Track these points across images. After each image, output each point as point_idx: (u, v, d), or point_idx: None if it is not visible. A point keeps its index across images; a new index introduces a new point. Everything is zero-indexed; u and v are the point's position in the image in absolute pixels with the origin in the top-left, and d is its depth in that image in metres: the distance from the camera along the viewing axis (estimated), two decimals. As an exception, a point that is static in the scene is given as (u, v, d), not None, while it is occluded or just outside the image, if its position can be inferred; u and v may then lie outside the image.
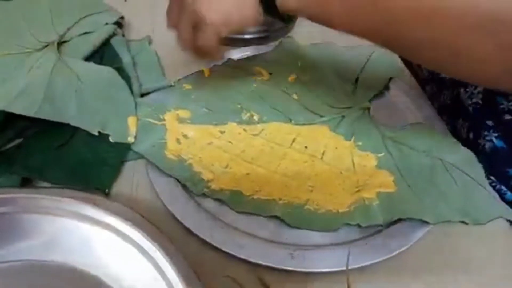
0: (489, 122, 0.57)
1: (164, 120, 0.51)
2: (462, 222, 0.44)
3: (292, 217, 0.44)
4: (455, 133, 0.57)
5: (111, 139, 0.49)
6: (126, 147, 0.49)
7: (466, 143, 0.54)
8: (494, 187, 0.52)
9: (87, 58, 0.58)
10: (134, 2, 0.75)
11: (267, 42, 0.68)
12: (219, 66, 0.60)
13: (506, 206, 0.47)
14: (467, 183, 0.48)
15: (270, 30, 0.68)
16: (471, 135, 0.57)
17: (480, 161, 0.51)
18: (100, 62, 0.58)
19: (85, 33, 0.61)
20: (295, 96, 0.57)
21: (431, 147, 0.51)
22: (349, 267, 0.38)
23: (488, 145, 0.56)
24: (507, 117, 0.55)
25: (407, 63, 0.68)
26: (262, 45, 0.67)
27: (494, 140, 0.58)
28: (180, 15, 0.47)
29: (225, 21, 0.45)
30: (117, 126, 0.50)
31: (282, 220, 0.43)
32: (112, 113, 0.51)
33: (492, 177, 0.53)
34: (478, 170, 0.49)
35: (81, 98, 0.51)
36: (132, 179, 0.48)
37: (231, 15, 0.45)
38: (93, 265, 0.39)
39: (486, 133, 0.57)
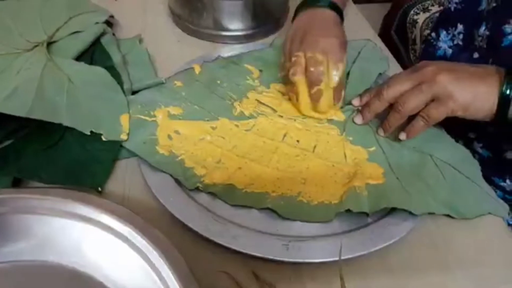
0: (471, 135, 0.58)
1: (155, 116, 0.51)
2: (448, 216, 0.45)
3: (284, 208, 0.44)
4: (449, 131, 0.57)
5: (103, 138, 0.49)
6: (118, 145, 0.49)
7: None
8: None
9: (78, 58, 0.58)
10: (124, 1, 0.75)
11: (255, 40, 0.68)
12: (209, 64, 0.60)
13: (500, 203, 0.47)
14: (457, 179, 0.48)
15: (259, 27, 0.68)
16: (460, 142, 0.57)
17: None
18: (91, 61, 0.58)
19: (75, 32, 0.61)
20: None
21: (422, 143, 0.51)
22: (342, 258, 0.39)
23: (476, 156, 0.56)
24: (490, 129, 0.56)
25: (397, 58, 0.68)
26: (250, 42, 0.67)
27: (480, 150, 0.59)
28: (422, 83, 0.47)
29: (466, 106, 0.45)
30: (110, 125, 0.50)
31: (275, 212, 0.44)
32: (104, 113, 0.51)
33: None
34: (472, 168, 0.50)
35: (72, 98, 0.51)
36: (124, 177, 0.48)
37: (473, 103, 0.45)
38: (87, 265, 0.39)
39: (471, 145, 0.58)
